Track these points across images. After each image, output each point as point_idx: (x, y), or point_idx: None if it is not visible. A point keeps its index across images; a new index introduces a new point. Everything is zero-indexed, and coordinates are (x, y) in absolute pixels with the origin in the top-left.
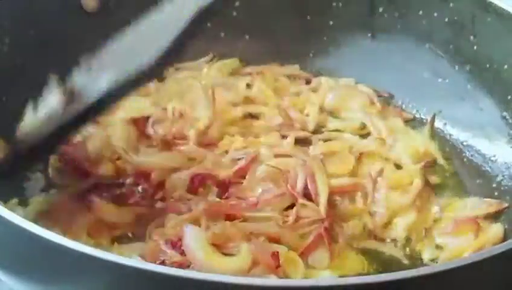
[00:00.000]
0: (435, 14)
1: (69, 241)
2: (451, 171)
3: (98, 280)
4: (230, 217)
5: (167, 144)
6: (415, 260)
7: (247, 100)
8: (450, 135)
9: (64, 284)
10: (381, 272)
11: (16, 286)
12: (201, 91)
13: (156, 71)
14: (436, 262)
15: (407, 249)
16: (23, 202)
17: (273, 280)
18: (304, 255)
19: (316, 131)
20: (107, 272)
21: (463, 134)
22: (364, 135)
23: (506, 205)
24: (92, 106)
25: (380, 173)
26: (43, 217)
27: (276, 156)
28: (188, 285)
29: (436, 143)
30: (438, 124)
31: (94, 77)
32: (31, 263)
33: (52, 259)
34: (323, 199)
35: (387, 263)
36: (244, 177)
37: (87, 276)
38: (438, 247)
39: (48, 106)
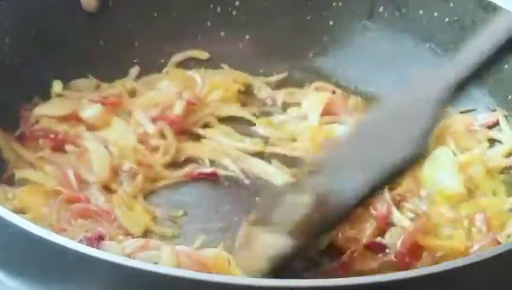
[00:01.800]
0: (435, 14)
1: (69, 242)
2: None
3: (99, 280)
4: None
5: None
6: None
7: None
8: None
9: (64, 284)
10: None
11: (15, 286)
12: None
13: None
14: None
15: None
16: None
17: (273, 280)
18: None
19: None
20: (108, 272)
21: None
22: None
23: None
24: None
25: None
26: None
27: None
28: (188, 285)
29: None
30: None
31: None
32: (31, 263)
33: (52, 259)
34: None
35: None
36: None
37: (88, 276)
38: None
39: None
